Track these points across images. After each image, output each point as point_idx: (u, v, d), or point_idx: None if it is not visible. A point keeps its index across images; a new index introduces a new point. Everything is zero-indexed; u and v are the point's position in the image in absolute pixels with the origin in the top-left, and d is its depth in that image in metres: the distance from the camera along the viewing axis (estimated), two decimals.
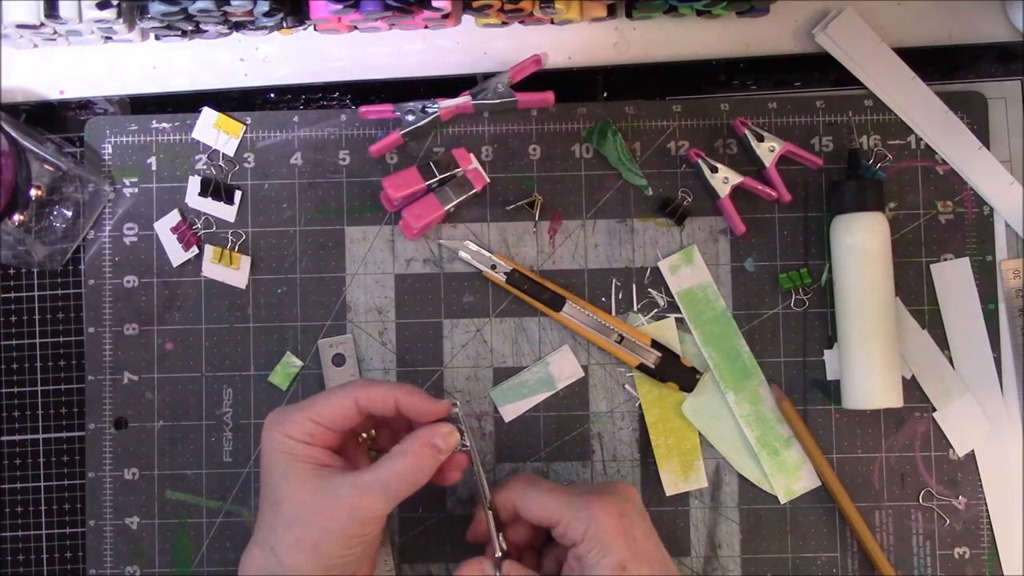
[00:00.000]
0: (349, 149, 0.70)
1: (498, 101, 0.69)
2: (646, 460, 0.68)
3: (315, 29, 0.69)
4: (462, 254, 0.69)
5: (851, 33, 0.69)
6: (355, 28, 0.69)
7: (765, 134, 0.68)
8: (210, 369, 0.69)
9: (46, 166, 0.68)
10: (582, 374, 0.69)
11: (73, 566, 0.69)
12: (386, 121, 0.69)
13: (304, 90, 0.71)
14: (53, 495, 0.69)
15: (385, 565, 0.67)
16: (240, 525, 0.68)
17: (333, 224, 0.70)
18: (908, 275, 0.69)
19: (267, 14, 0.65)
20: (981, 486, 0.68)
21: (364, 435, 0.62)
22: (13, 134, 0.65)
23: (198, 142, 0.70)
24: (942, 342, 0.69)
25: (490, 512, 0.59)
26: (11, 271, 0.70)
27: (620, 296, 0.69)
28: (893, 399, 0.65)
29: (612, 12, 0.69)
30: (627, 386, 0.69)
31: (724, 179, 0.68)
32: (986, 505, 0.68)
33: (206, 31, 0.68)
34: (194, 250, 0.69)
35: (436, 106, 0.68)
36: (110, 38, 0.69)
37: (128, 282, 0.70)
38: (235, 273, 0.69)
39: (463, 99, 0.68)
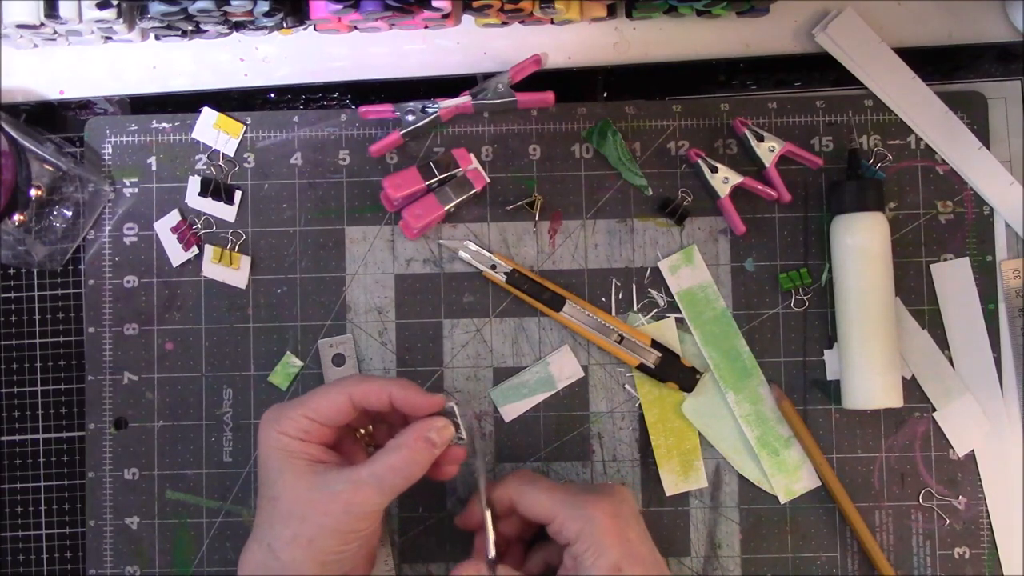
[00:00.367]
0: (349, 149, 0.70)
1: (498, 101, 0.69)
2: (646, 460, 0.68)
3: (315, 29, 0.69)
4: (462, 254, 0.69)
5: (851, 33, 0.69)
6: (355, 28, 0.69)
7: (765, 134, 0.68)
8: (210, 369, 0.69)
9: (46, 166, 0.68)
10: (582, 374, 0.69)
11: (73, 566, 0.69)
12: (386, 121, 0.69)
13: (304, 90, 0.71)
14: (53, 495, 0.69)
15: (385, 565, 0.67)
16: (240, 525, 0.68)
17: (333, 224, 0.70)
18: (908, 275, 0.69)
19: (267, 14, 0.65)
20: (981, 486, 0.68)
21: (362, 431, 0.62)
22: (13, 134, 0.65)
23: (198, 142, 0.70)
24: (942, 342, 0.69)
25: (488, 513, 0.59)
26: (11, 271, 0.70)
27: (620, 296, 0.69)
28: (893, 399, 0.65)
29: (612, 12, 0.69)
30: (627, 386, 0.69)
31: (724, 179, 0.68)
32: (986, 505, 0.68)
33: (206, 31, 0.68)
34: (194, 250, 0.69)
35: (436, 106, 0.68)
36: (110, 38, 0.69)
37: (128, 282, 0.70)
38: (235, 273, 0.69)
39: (463, 99, 0.68)
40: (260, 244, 0.70)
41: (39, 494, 0.69)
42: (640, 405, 0.69)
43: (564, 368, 0.69)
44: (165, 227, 0.69)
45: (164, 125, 0.70)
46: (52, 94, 0.71)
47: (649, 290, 0.69)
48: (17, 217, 0.67)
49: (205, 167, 0.70)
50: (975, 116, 0.69)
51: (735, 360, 0.68)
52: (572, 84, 0.71)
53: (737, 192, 0.68)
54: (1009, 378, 0.69)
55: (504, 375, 0.69)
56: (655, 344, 0.68)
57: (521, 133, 0.70)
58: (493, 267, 0.68)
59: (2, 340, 0.70)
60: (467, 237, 0.69)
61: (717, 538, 0.68)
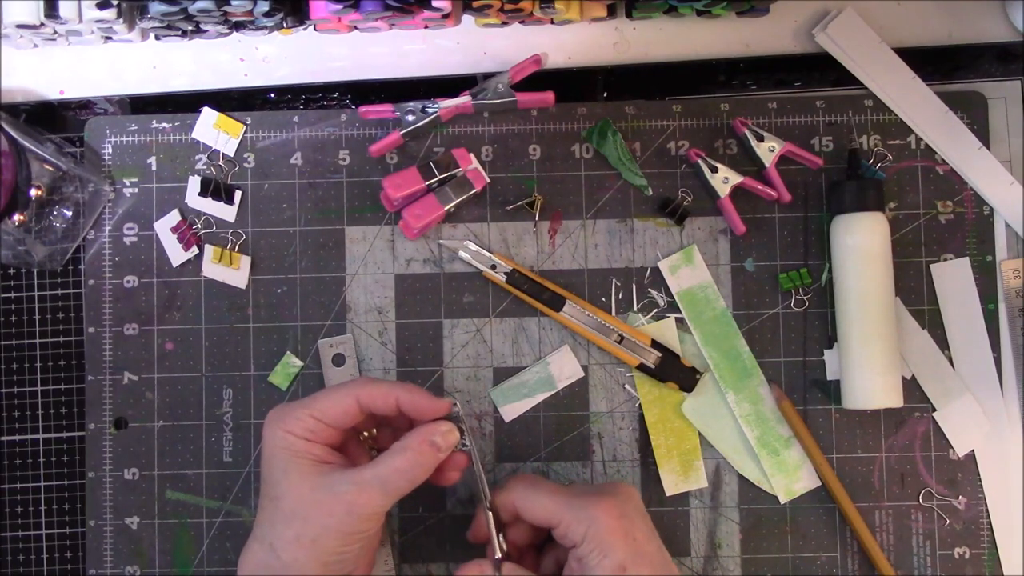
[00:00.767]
0: (349, 149, 0.70)
1: (498, 101, 0.69)
2: (646, 460, 0.68)
3: (315, 29, 0.69)
4: (462, 254, 0.69)
5: (851, 33, 0.69)
6: (355, 28, 0.69)
7: (765, 134, 0.68)
8: (210, 369, 0.69)
9: (46, 166, 0.68)
10: (582, 374, 0.69)
11: (73, 566, 0.69)
12: (386, 121, 0.69)
13: (304, 90, 0.71)
14: (53, 495, 0.69)
15: (385, 565, 0.67)
16: (240, 525, 0.68)
17: (333, 224, 0.70)
18: (908, 275, 0.69)
19: (267, 14, 0.65)
20: (981, 486, 0.68)
21: (365, 434, 0.62)
22: (13, 134, 0.65)
23: (198, 142, 0.70)
24: (942, 342, 0.69)
25: (490, 513, 0.59)
26: (11, 271, 0.70)
27: (620, 296, 0.69)
28: (893, 399, 0.65)
29: (612, 12, 0.69)
30: (627, 386, 0.69)
31: (724, 179, 0.68)
32: (986, 505, 0.68)
33: (206, 31, 0.68)
34: (194, 250, 0.69)
35: (436, 106, 0.68)
36: (110, 38, 0.69)
37: (128, 282, 0.70)
38: (235, 273, 0.69)
39: (463, 99, 0.68)
40: (260, 244, 0.70)
41: (39, 494, 0.69)
42: (640, 405, 0.69)
43: (564, 368, 0.69)
44: (165, 227, 0.69)
45: (164, 125, 0.70)
46: (52, 94, 0.71)
47: (649, 290, 0.69)
48: (17, 217, 0.67)
49: (205, 167, 0.70)
50: (975, 116, 0.69)
51: (735, 360, 0.68)
52: (572, 84, 0.71)
53: (737, 192, 0.68)
54: (1009, 378, 0.69)
55: (504, 375, 0.69)
56: (655, 344, 0.68)
57: (521, 133, 0.70)
58: (493, 267, 0.68)
59: (2, 340, 0.70)
60: (467, 237, 0.69)
61: (717, 538, 0.68)
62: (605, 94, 0.71)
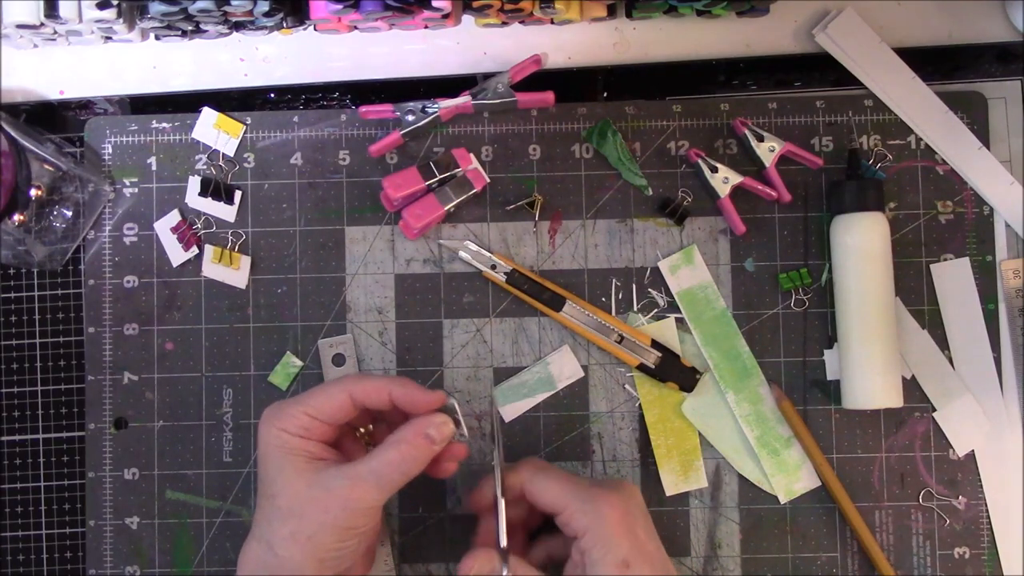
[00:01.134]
0: (349, 149, 0.70)
1: (498, 101, 0.69)
2: (646, 460, 0.68)
3: (315, 29, 0.69)
4: (462, 254, 0.69)
5: (851, 33, 0.69)
6: (355, 28, 0.69)
7: (765, 134, 0.68)
8: (210, 369, 0.69)
9: (46, 166, 0.68)
10: (582, 374, 0.69)
11: (73, 566, 0.69)
12: (386, 121, 0.69)
13: (304, 90, 0.71)
14: (53, 495, 0.69)
15: (385, 565, 0.67)
16: (240, 525, 0.68)
17: (333, 224, 0.70)
18: (908, 275, 0.69)
19: (267, 14, 0.65)
20: (981, 486, 0.68)
21: (362, 430, 0.62)
22: (13, 134, 0.65)
23: (198, 142, 0.70)
24: (942, 342, 0.69)
25: (503, 502, 0.59)
26: (11, 271, 0.70)
27: (620, 296, 0.69)
28: (893, 399, 0.65)
29: (612, 12, 0.69)
30: (627, 386, 0.69)
31: (724, 179, 0.68)
32: (986, 505, 0.68)
33: (206, 31, 0.68)
34: (194, 250, 0.69)
35: (436, 106, 0.68)
36: (110, 38, 0.69)
37: (128, 282, 0.70)
38: (235, 273, 0.69)
39: (463, 99, 0.68)
40: (260, 244, 0.70)
41: (39, 494, 0.69)
42: (640, 405, 0.69)
43: (564, 368, 0.69)
44: (165, 227, 0.69)
45: (164, 125, 0.70)
46: (52, 94, 0.71)
47: (649, 290, 0.69)
48: (17, 217, 0.67)
49: (205, 167, 0.70)
50: (975, 116, 0.69)
51: (735, 360, 0.68)
52: (572, 84, 0.71)
53: (737, 192, 0.68)
54: (1009, 378, 0.69)
55: (504, 375, 0.69)
56: (655, 344, 0.68)
57: (521, 133, 0.70)
58: (493, 267, 0.68)
59: (2, 340, 0.70)
60: (467, 237, 0.69)
61: (717, 538, 0.68)
62: (605, 94, 0.71)
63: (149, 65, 0.71)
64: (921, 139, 0.69)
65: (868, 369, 0.65)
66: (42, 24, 0.65)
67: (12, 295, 0.70)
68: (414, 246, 0.69)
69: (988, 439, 0.68)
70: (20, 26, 0.65)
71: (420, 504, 0.68)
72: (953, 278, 0.69)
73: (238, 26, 0.68)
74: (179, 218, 0.69)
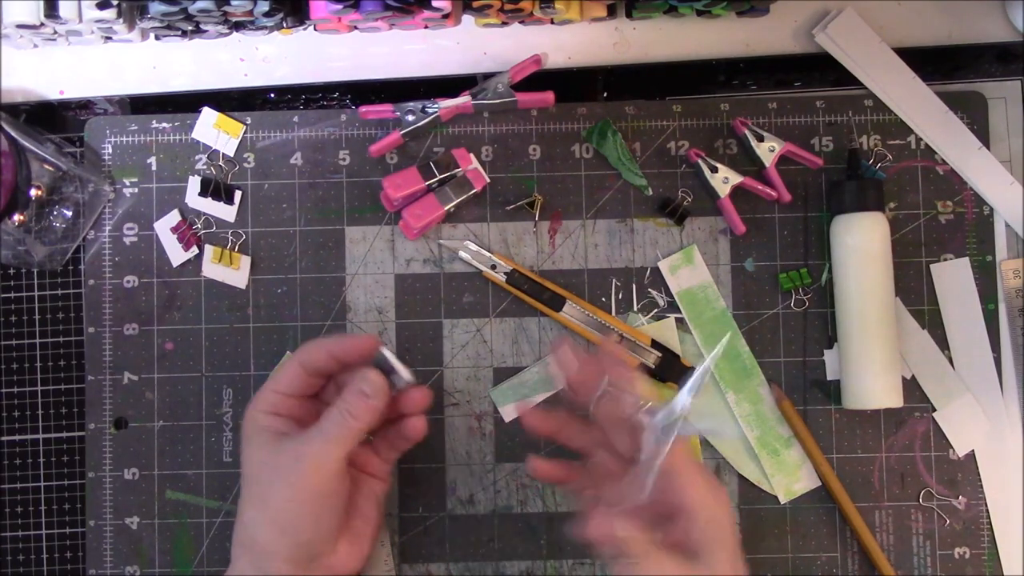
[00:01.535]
0: (349, 149, 0.70)
1: (498, 101, 0.69)
2: None
3: (315, 29, 0.69)
4: (462, 254, 0.69)
5: (851, 33, 0.69)
6: (355, 28, 0.69)
7: (765, 134, 0.68)
8: (210, 369, 0.69)
9: (46, 166, 0.68)
10: None
11: (73, 566, 0.69)
12: (386, 121, 0.69)
13: (304, 90, 0.71)
14: (53, 495, 0.69)
15: (385, 565, 0.67)
16: None
17: (333, 224, 0.70)
18: (908, 275, 0.69)
19: (267, 14, 0.65)
20: (981, 486, 0.68)
21: None
22: (13, 134, 0.65)
23: (198, 142, 0.70)
24: (942, 342, 0.69)
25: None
26: (11, 271, 0.70)
27: (620, 296, 0.69)
28: (893, 399, 0.65)
29: (612, 12, 0.69)
30: None
31: (724, 179, 0.68)
32: (986, 505, 0.68)
33: (206, 31, 0.68)
34: (194, 250, 0.69)
35: (436, 106, 0.68)
36: (110, 38, 0.69)
37: (128, 282, 0.70)
38: (235, 273, 0.69)
39: (463, 99, 0.68)
40: (260, 244, 0.70)
41: (39, 494, 0.69)
42: None
43: None
44: (165, 227, 0.69)
45: (164, 125, 0.70)
46: (52, 94, 0.71)
47: (649, 290, 0.69)
48: (17, 217, 0.67)
49: (205, 167, 0.70)
50: (975, 116, 0.69)
51: (735, 360, 0.68)
52: (572, 84, 0.71)
53: (737, 192, 0.68)
54: (1009, 378, 0.69)
55: (504, 375, 0.69)
56: (655, 344, 0.68)
57: (521, 133, 0.70)
58: (493, 267, 0.68)
59: (2, 340, 0.70)
60: (467, 237, 0.69)
61: None
62: (605, 94, 0.71)
63: (149, 65, 0.71)
64: (921, 139, 0.69)
65: (868, 369, 0.65)
66: (42, 24, 0.65)
67: (12, 295, 0.70)
68: (414, 246, 0.69)
69: (988, 439, 0.68)
70: (20, 26, 0.65)
71: (420, 504, 0.68)
72: (953, 278, 0.69)
73: (238, 26, 0.68)
74: (179, 218, 0.69)
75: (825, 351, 0.69)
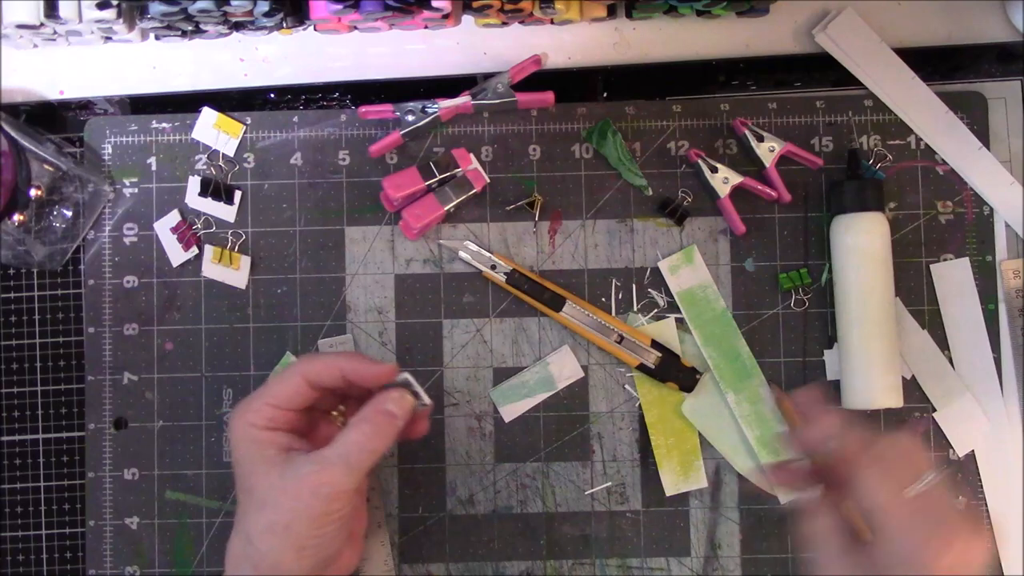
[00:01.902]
0: (349, 149, 0.70)
1: (498, 101, 0.69)
2: (646, 460, 0.68)
3: (315, 29, 0.69)
4: (462, 254, 0.69)
5: (851, 33, 0.69)
6: (355, 28, 0.69)
7: (765, 134, 0.68)
8: (210, 369, 0.69)
9: (46, 166, 0.68)
10: (582, 374, 0.69)
11: (73, 566, 0.69)
12: (386, 121, 0.69)
13: (304, 90, 0.71)
14: (53, 495, 0.69)
15: (385, 565, 0.67)
16: None
17: (333, 224, 0.70)
18: (908, 275, 0.69)
19: (267, 14, 0.65)
20: (981, 486, 0.68)
21: (335, 412, 0.62)
22: (13, 134, 0.65)
23: (198, 142, 0.70)
24: (942, 342, 0.69)
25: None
26: (11, 271, 0.70)
27: (620, 296, 0.69)
28: (893, 399, 0.65)
29: (612, 12, 0.69)
30: (627, 386, 0.69)
31: (724, 179, 0.68)
32: (986, 505, 0.68)
33: (206, 31, 0.68)
34: (194, 250, 0.69)
35: (436, 106, 0.68)
36: (110, 38, 0.69)
37: (128, 282, 0.70)
38: (235, 273, 0.69)
39: (463, 99, 0.68)
40: (260, 244, 0.70)
41: (39, 494, 0.69)
42: (640, 405, 0.69)
43: (564, 368, 0.69)
44: (165, 227, 0.69)
45: (164, 125, 0.70)
46: (52, 94, 0.71)
47: (649, 290, 0.69)
48: (17, 217, 0.67)
49: (205, 167, 0.70)
50: (975, 116, 0.69)
51: (735, 360, 0.68)
52: (572, 84, 0.71)
53: (737, 192, 0.68)
54: (1009, 378, 0.69)
55: (504, 375, 0.69)
56: (655, 344, 0.68)
57: (521, 133, 0.70)
58: (493, 267, 0.68)
59: (2, 340, 0.70)
60: (467, 237, 0.69)
61: (717, 538, 0.68)
62: (605, 94, 0.71)
63: (149, 65, 0.71)
64: (921, 139, 0.69)
65: (868, 369, 0.65)
66: (42, 24, 0.65)
67: (12, 295, 0.70)
68: (414, 246, 0.69)
69: (988, 439, 0.68)
70: (20, 26, 0.65)
71: (420, 504, 0.68)
72: (953, 278, 0.69)
73: (238, 26, 0.68)
74: (179, 218, 0.69)
75: (825, 351, 0.69)
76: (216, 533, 0.68)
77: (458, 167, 0.68)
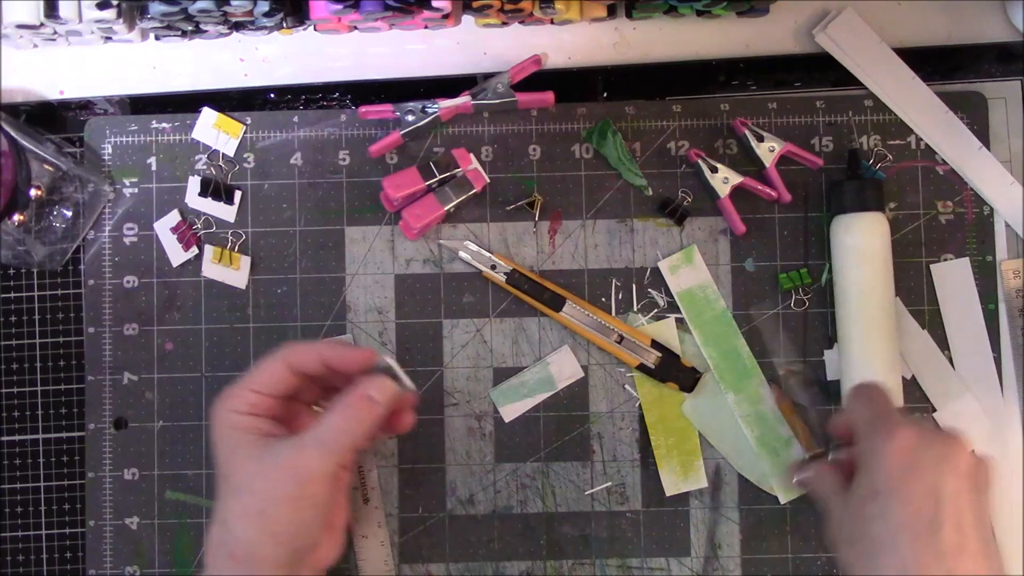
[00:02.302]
0: (349, 149, 0.70)
1: (498, 101, 0.69)
2: (646, 460, 0.68)
3: (315, 29, 0.69)
4: (462, 254, 0.69)
5: (851, 33, 0.69)
6: (355, 28, 0.69)
7: (765, 134, 0.68)
8: (210, 369, 0.69)
9: (46, 166, 0.68)
10: (582, 374, 0.69)
11: (73, 566, 0.69)
12: (386, 121, 0.69)
13: (304, 90, 0.71)
14: (53, 495, 0.69)
15: (385, 565, 0.67)
16: None
17: (333, 224, 0.70)
18: (908, 275, 0.69)
19: (267, 14, 0.65)
20: None
21: (316, 407, 0.62)
22: (13, 134, 0.65)
23: (198, 142, 0.70)
24: (942, 342, 0.69)
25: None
26: (11, 271, 0.70)
27: (620, 296, 0.69)
28: (895, 398, 0.65)
29: (612, 12, 0.69)
30: (627, 386, 0.69)
31: (724, 179, 0.68)
32: None
33: (206, 31, 0.68)
34: (194, 250, 0.69)
35: (436, 106, 0.68)
36: (110, 38, 0.69)
37: (128, 282, 0.70)
38: (235, 273, 0.69)
39: (463, 99, 0.68)
40: (260, 244, 0.70)
41: (39, 494, 0.69)
42: (640, 405, 0.69)
43: (564, 368, 0.69)
44: (165, 227, 0.69)
45: (164, 125, 0.70)
46: (52, 94, 0.71)
47: (649, 290, 0.69)
48: (17, 217, 0.67)
49: (205, 167, 0.70)
50: (975, 116, 0.69)
51: (735, 360, 0.68)
52: (572, 84, 0.71)
53: (737, 192, 0.68)
54: (1009, 378, 0.69)
55: (504, 375, 0.69)
56: (655, 344, 0.68)
57: (521, 133, 0.70)
58: (493, 267, 0.68)
59: (2, 340, 0.70)
60: (467, 237, 0.69)
61: (717, 538, 0.68)
62: (605, 94, 0.71)
63: (149, 65, 0.71)
64: (921, 139, 0.69)
65: (868, 369, 0.65)
66: (42, 24, 0.65)
67: (12, 295, 0.70)
68: (414, 246, 0.69)
69: (988, 439, 0.68)
70: (20, 26, 0.65)
71: (420, 504, 0.68)
72: (953, 278, 0.69)
73: (238, 26, 0.68)
74: (179, 218, 0.69)
75: (825, 351, 0.69)
76: None
77: (458, 167, 0.68)
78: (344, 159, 0.70)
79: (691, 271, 0.69)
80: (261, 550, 0.55)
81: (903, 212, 0.69)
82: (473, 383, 0.69)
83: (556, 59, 0.71)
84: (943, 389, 0.68)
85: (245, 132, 0.70)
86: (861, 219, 0.66)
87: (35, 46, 0.70)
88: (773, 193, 0.68)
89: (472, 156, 0.68)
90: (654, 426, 0.68)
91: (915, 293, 0.69)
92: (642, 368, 0.68)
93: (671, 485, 0.68)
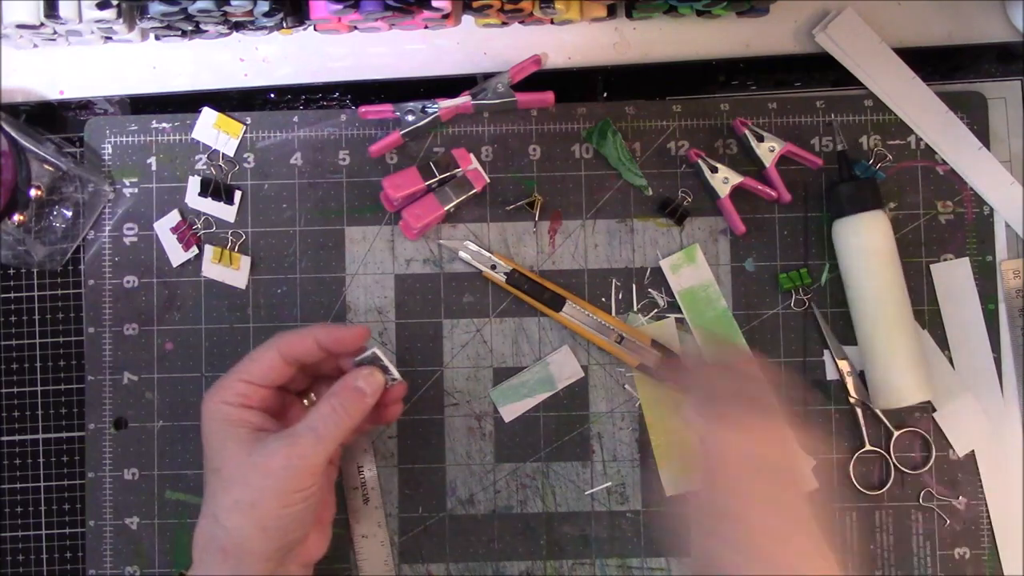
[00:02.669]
0: (349, 149, 0.70)
1: (498, 101, 0.69)
2: (646, 460, 0.68)
3: (315, 29, 0.69)
4: (462, 254, 0.69)
5: (851, 33, 0.69)
6: (355, 28, 0.69)
7: (765, 134, 0.68)
8: (210, 369, 0.69)
9: (46, 166, 0.68)
10: (582, 374, 0.69)
11: (73, 566, 0.69)
12: (386, 121, 0.69)
13: (304, 90, 0.71)
14: (53, 495, 0.69)
15: (385, 565, 0.67)
16: None
17: (333, 224, 0.70)
18: (908, 275, 0.69)
19: (267, 14, 0.65)
20: (981, 486, 0.68)
21: (305, 402, 0.62)
22: (13, 134, 0.65)
23: (198, 142, 0.70)
24: (942, 342, 0.69)
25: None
26: (11, 271, 0.70)
27: (620, 296, 0.69)
28: (925, 392, 0.65)
29: (612, 12, 0.69)
30: (627, 386, 0.69)
31: (724, 179, 0.68)
32: (986, 505, 0.68)
33: (206, 31, 0.68)
34: (194, 250, 0.69)
35: (436, 106, 0.68)
36: (110, 38, 0.69)
37: (128, 282, 0.70)
38: (235, 273, 0.69)
39: (463, 99, 0.68)
40: (260, 244, 0.70)
41: (39, 494, 0.69)
42: (640, 405, 0.68)
43: (564, 368, 0.69)
44: (165, 227, 0.69)
45: (164, 125, 0.70)
46: (52, 94, 0.71)
47: (649, 290, 0.69)
48: (17, 217, 0.67)
49: (205, 167, 0.70)
50: (975, 116, 0.69)
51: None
52: (572, 84, 0.71)
53: (737, 192, 0.68)
54: (1009, 378, 0.69)
55: (504, 375, 0.69)
56: (655, 344, 0.68)
57: (521, 133, 0.70)
58: (493, 267, 0.68)
59: (2, 340, 0.70)
60: (467, 237, 0.69)
61: None
62: (605, 94, 0.71)
63: (149, 65, 0.71)
64: (921, 139, 0.69)
65: (897, 367, 0.65)
66: (42, 24, 0.65)
67: (12, 295, 0.70)
68: (414, 246, 0.69)
69: (988, 439, 0.68)
70: (20, 26, 0.65)
71: (420, 504, 0.68)
72: (953, 278, 0.69)
73: (238, 26, 0.68)
74: (179, 218, 0.69)
75: (825, 351, 0.69)
76: None
77: (458, 167, 0.68)
78: (344, 159, 0.70)
79: (693, 270, 0.69)
80: (252, 544, 0.55)
81: (903, 212, 0.69)
82: (473, 383, 0.69)
83: (556, 59, 0.71)
84: (943, 389, 0.68)
85: (245, 132, 0.70)
86: (863, 219, 0.66)
87: (35, 46, 0.70)
88: (773, 193, 0.68)
89: (472, 156, 0.68)
90: (654, 426, 0.68)
91: (915, 293, 0.69)
92: (642, 368, 0.68)
93: (671, 485, 0.68)
